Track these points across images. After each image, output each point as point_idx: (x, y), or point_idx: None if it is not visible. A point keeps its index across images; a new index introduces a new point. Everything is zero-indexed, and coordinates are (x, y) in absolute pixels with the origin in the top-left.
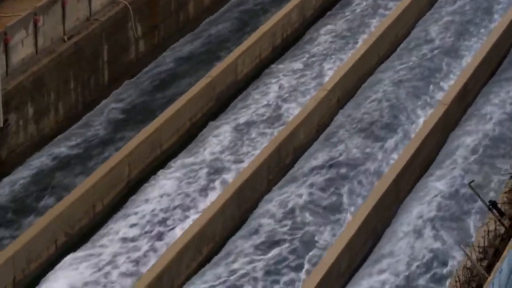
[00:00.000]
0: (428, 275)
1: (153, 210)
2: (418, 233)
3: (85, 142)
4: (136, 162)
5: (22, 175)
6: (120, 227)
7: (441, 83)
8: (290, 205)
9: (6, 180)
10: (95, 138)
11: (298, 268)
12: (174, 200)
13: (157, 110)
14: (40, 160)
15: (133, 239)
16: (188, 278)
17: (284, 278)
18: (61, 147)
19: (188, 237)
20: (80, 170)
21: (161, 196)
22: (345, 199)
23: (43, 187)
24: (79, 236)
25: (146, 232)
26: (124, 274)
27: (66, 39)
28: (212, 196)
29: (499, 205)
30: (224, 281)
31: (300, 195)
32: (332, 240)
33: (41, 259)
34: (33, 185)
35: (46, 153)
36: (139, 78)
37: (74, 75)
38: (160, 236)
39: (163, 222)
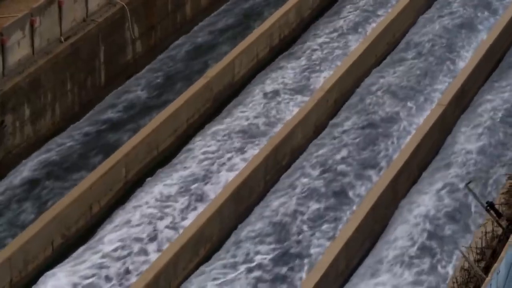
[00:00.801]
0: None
1: None
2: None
3: None
4: (133, 163)
5: None
6: None
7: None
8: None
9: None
10: None
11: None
12: None
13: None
14: None
15: None
16: (186, 278)
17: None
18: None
19: (185, 237)
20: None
21: None
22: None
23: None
24: (76, 237)
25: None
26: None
27: (62, 40)
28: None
29: (496, 206)
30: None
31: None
32: None
33: (38, 260)
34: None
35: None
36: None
37: (70, 76)
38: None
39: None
